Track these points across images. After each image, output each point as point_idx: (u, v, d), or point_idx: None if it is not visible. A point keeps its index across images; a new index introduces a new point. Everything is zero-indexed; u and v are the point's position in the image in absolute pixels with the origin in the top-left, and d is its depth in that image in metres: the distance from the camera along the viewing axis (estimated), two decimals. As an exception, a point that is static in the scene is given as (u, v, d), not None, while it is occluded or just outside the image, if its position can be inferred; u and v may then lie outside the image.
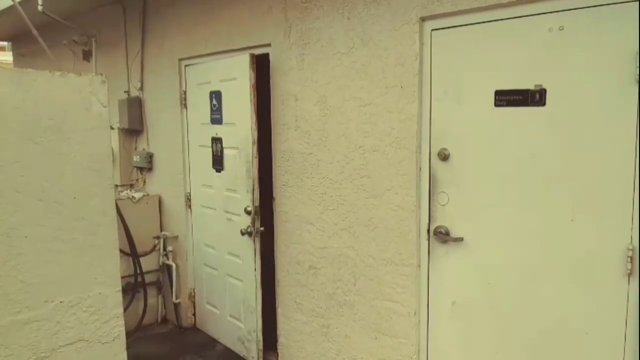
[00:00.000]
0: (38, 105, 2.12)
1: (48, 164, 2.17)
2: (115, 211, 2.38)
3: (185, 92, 4.21)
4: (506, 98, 2.44)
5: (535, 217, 2.37)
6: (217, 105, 3.80)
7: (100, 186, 2.32)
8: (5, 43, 7.13)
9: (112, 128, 4.77)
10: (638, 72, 2.02)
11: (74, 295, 2.30)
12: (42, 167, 2.15)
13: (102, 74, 2.35)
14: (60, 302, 2.27)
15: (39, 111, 2.13)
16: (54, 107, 2.16)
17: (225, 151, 3.78)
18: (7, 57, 7.77)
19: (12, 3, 4.26)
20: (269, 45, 3.46)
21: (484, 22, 2.47)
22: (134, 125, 4.63)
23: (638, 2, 2.01)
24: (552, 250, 2.33)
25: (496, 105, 2.46)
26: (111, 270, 2.41)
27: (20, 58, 6.65)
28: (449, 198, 2.67)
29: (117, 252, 2.41)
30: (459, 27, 2.56)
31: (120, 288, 2.46)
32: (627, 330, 2.14)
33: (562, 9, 2.23)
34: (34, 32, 4.36)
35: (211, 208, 4.04)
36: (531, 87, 2.34)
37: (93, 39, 5.03)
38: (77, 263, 2.29)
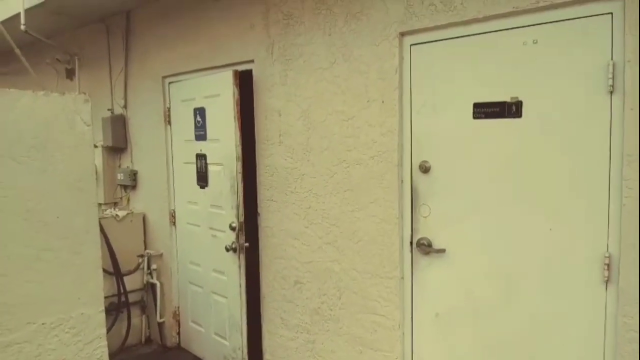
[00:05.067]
0: (21, 125, 2.13)
1: (32, 183, 2.16)
2: (98, 230, 2.37)
3: (169, 109, 4.22)
4: (484, 110, 2.49)
5: (514, 226, 2.41)
6: (201, 122, 3.82)
7: (83, 204, 2.32)
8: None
9: (95, 146, 4.75)
10: (610, 83, 2.09)
11: (56, 316, 2.28)
12: (25, 186, 2.15)
13: (85, 93, 2.36)
14: (42, 323, 2.24)
15: (23, 130, 2.13)
16: (37, 126, 2.17)
17: (210, 167, 3.79)
18: (-11, 76, 7.68)
19: (-7, 23, 4.26)
20: (252, 61, 3.49)
21: (461, 37, 2.53)
22: (117, 143, 4.62)
23: (611, 15, 2.09)
24: (532, 259, 2.37)
25: (474, 117, 2.52)
26: (94, 290, 2.40)
27: (2, 77, 6.60)
28: (430, 210, 2.71)
29: (101, 272, 2.39)
30: (437, 42, 2.62)
31: (103, 308, 2.44)
32: (606, 336, 2.18)
33: (535, 22, 2.30)
34: (17, 51, 4.36)
35: (196, 225, 4.03)
36: (507, 99, 2.40)
37: (76, 58, 5.03)
38: (59, 283, 2.27)
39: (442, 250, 2.67)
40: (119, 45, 4.59)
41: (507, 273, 2.45)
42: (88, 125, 2.32)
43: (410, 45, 2.71)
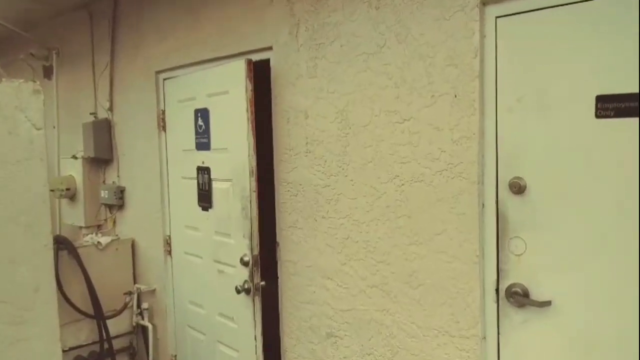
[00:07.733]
0: None
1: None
2: (54, 285, 1.59)
3: (164, 112, 3.45)
4: (613, 106, 1.76)
5: (670, 275, 1.65)
6: (203, 127, 3.05)
7: (30, 248, 1.54)
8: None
9: (75, 157, 3.98)
10: None
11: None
12: None
13: (35, 81, 1.58)
14: None
15: None
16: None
17: (214, 184, 3.02)
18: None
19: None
20: (270, 48, 2.74)
21: (574, 3, 1.79)
22: (101, 153, 3.84)
23: None
24: None
25: (598, 116, 1.78)
26: (50, 372, 1.61)
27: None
28: (526, 245, 1.95)
29: (58, 347, 1.61)
30: (536, 12, 1.89)
31: (64, 396, 1.66)
32: None
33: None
34: (-23, 42, 3.60)
35: (197, 256, 3.24)
36: (653, 89, 1.65)
37: (54, 52, 4.26)
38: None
39: (547, 303, 1.90)
40: (105, 35, 3.83)
41: (655, 342, 1.69)
42: (38, 129, 1.55)
43: (496, 17, 1.98)
